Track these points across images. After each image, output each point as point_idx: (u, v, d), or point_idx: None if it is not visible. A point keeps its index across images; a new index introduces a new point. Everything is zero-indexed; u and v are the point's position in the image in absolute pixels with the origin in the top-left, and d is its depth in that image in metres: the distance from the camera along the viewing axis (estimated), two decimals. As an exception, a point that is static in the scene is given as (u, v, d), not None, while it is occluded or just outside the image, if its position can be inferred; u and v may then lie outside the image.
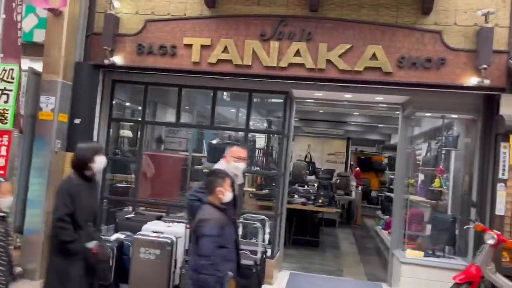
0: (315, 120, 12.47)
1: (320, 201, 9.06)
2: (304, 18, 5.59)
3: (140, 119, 6.55)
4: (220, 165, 3.87)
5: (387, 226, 9.34)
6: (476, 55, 5.15)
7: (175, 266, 5.17)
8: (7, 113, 5.49)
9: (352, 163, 16.54)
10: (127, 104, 7.75)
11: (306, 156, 14.48)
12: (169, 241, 5.08)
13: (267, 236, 5.64)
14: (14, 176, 5.35)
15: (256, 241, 5.70)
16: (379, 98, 6.34)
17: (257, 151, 8.06)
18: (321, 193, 9.70)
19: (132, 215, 5.96)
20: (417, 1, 5.39)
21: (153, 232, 5.23)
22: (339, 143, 16.05)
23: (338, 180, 13.13)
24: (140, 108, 7.00)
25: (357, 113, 10.10)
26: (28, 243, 5.47)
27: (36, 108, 5.67)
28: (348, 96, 6.34)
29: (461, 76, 5.21)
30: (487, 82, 5.04)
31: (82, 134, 5.89)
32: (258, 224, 5.47)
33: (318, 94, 6.44)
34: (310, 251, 8.48)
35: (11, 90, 5.51)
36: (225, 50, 5.68)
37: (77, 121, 5.84)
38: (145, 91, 6.46)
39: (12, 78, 5.50)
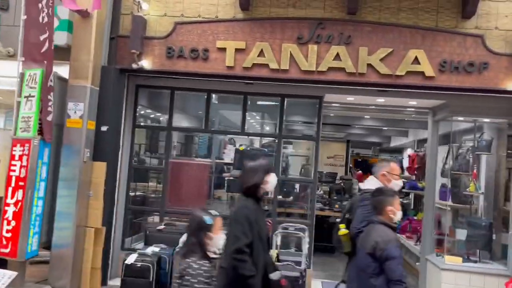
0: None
1: (336, 206, 8.95)
2: (342, 21, 5.46)
3: (166, 125, 6.27)
4: (372, 183, 3.65)
5: (402, 230, 9.29)
6: (519, 59, 5.12)
7: (218, 280, 4.95)
8: (31, 121, 5.19)
9: (351, 165, 16.50)
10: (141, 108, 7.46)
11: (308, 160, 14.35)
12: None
13: (307, 246, 5.47)
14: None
15: (295, 251, 5.55)
16: (412, 102, 6.26)
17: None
18: (335, 197, 9.59)
19: (162, 226, 5.70)
20: (457, 5, 5.33)
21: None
22: (338, 146, 15.99)
23: (343, 184, 13.07)
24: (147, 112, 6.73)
25: (368, 116, 10.03)
26: (57, 258, 5.16)
27: (62, 115, 5.36)
28: (381, 100, 6.24)
29: (504, 80, 5.17)
30: (531, 86, 5.02)
31: (109, 142, 5.61)
32: (301, 234, 5.31)
33: (350, 98, 6.32)
34: (329, 257, 8.34)
35: (34, 96, 5.23)
36: (261, 54, 5.50)
37: (104, 128, 5.55)
38: (171, 96, 6.20)
39: (36, 83, 5.21)
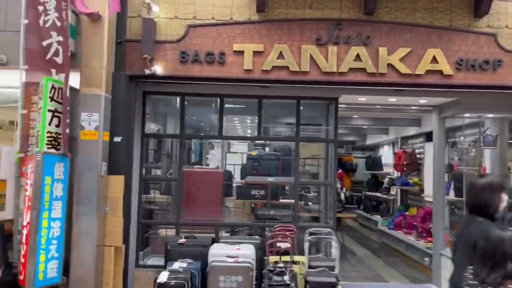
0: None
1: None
2: (359, 21, 5.44)
3: (178, 133, 5.97)
4: None
5: (397, 226, 9.47)
6: (529, 56, 5.33)
7: (255, 292, 4.78)
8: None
9: (329, 165, 16.66)
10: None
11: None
12: (250, 266, 4.68)
13: (335, 250, 5.39)
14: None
15: (323, 255, 5.46)
16: (422, 101, 6.37)
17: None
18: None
19: (183, 240, 5.41)
20: (470, 5, 5.47)
21: (228, 256, 4.78)
22: (316, 146, 16.08)
23: (326, 183, 13.15)
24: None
25: (356, 116, 10.15)
26: (77, 282, 4.74)
27: (73, 126, 4.95)
28: (392, 100, 6.30)
29: (517, 77, 5.36)
30: (543, 82, 5.24)
31: (122, 153, 5.26)
32: (334, 238, 5.22)
33: (362, 99, 6.33)
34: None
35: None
36: (280, 56, 5.37)
37: (117, 139, 5.19)
38: (182, 102, 5.92)
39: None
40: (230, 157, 9.47)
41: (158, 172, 7.35)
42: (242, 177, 6.71)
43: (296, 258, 5.26)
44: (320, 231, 5.48)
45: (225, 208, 6.75)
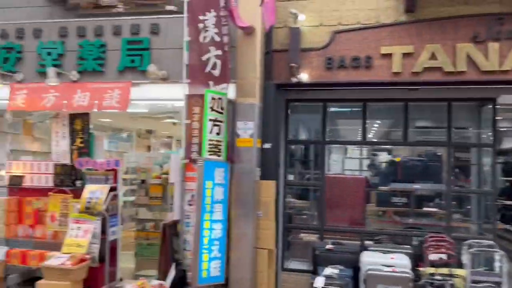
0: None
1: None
2: (524, 14, 4.95)
3: (320, 139, 6.00)
4: None
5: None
6: None
7: (414, 304, 4.57)
8: (219, 145, 5.14)
9: (457, 171, 15.43)
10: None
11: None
12: (410, 276, 4.49)
13: (502, 265, 4.91)
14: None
15: (486, 270, 5.03)
16: None
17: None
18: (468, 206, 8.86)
19: (331, 246, 5.40)
20: None
21: (383, 265, 4.66)
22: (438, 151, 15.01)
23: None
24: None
25: (500, 118, 9.19)
26: (237, 281, 5.00)
27: (229, 134, 5.26)
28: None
29: None
30: None
31: (271, 159, 5.44)
32: (501, 252, 4.79)
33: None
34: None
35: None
36: (432, 56, 5.11)
37: (267, 145, 5.39)
38: (324, 109, 5.95)
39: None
40: (349, 163, 9.31)
41: (291, 177, 7.48)
42: (381, 184, 6.52)
43: (454, 271, 4.92)
44: (480, 243, 5.05)
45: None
